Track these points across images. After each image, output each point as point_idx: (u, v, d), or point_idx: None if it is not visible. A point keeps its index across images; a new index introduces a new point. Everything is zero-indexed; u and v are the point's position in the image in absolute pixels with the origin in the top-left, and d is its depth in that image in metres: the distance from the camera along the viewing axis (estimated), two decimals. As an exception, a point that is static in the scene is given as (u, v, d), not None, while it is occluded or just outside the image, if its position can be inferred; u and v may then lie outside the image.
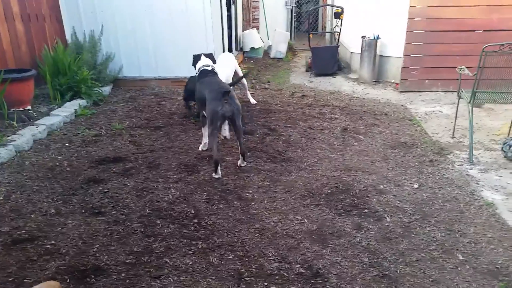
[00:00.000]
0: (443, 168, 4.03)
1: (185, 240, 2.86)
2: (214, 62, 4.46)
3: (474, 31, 6.61)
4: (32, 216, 3.15)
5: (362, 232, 2.96)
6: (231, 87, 4.01)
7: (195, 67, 4.39)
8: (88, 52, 6.69)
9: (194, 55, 4.51)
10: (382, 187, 3.63)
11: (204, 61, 4.32)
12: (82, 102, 5.91)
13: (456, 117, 4.90)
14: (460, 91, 4.59)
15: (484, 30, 6.56)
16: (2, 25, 5.62)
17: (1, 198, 3.40)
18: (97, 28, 7.08)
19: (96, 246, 2.80)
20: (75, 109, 5.61)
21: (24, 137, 4.48)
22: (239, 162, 4.04)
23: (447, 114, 5.72)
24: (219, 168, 3.80)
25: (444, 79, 6.80)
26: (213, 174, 3.82)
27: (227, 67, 5.36)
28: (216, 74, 4.27)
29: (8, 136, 4.45)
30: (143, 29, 7.18)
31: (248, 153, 4.27)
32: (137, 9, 7.05)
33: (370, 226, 3.03)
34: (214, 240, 2.87)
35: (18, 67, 5.74)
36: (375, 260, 2.67)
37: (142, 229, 2.99)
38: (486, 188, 3.61)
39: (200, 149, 4.49)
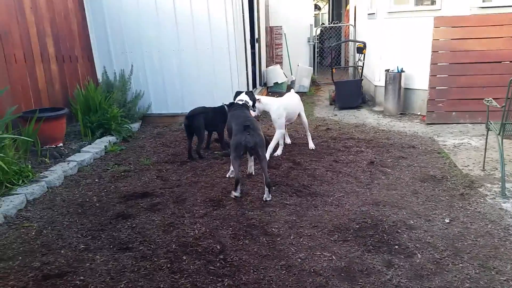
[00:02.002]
0: (474, 201, 3.91)
1: (211, 277, 2.84)
2: (252, 98, 4.89)
3: (500, 62, 6.55)
4: (62, 251, 3.21)
5: (392, 270, 2.87)
6: (254, 120, 4.32)
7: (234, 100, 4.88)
8: (118, 90, 6.95)
9: (237, 91, 5.07)
10: (412, 222, 3.54)
11: (241, 97, 4.79)
12: (112, 138, 6.09)
13: (485, 149, 4.78)
14: (489, 123, 4.51)
15: (510, 61, 6.49)
16: (39, 66, 5.95)
17: (33, 233, 3.49)
18: (127, 67, 7.38)
19: (124, 282, 2.81)
20: (105, 146, 5.78)
21: (56, 173, 4.63)
22: (264, 196, 4.04)
23: (476, 146, 5.60)
24: (239, 186, 4.06)
25: (471, 111, 6.70)
26: (233, 191, 4.06)
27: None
28: (246, 107, 4.64)
29: (40, 173, 4.61)
30: (171, 68, 7.45)
31: (273, 187, 4.27)
32: (165, 49, 7.34)
33: (401, 263, 2.94)
34: (240, 277, 2.83)
35: (52, 105, 6.03)
36: (407, 299, 2.58)
37: (168, 265, 2.99)
38: (521, 223, 3.47)
39: (227, 176, 4.72)
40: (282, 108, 5.25)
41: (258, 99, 5.20)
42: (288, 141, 5.96)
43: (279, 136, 5.30)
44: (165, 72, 7.48)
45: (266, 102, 5.32)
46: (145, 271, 2.93)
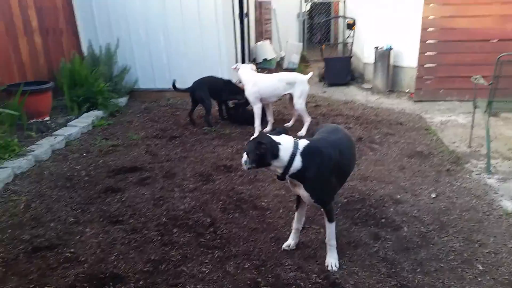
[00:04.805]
0: (460, 177, 3.99)
1: (202, 249, 2.87)
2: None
3: (488, 40, 6.58)
4: (52, 224, 3.20)
5: (379, 242, 2.94)
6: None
7: None
8: (104, 64, 6.82)
9: None
10: (398, 196, 3.61)
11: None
12: (99, 113, 6.01)
13: (472, 126, 4.85)
14: (476, 100, 4.56)
15: (498, 40, 6.52)
16: (22, 39, 5.78)
17: (22, 207, 3.46)
18: (113, 41, 7.21)
19: (114, 254, 2.82)
20: (92, 120, 5.71)
21: (43, 147, 4.57)
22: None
23: (463, 123, 5.67)
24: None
25: (459, 89, 6.75)
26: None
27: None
28: None
29: (27, 147, 4.54)
30: (158, 42, 7.30)
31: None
32: (152, 23, 7.17)
33: (388, 236, 3.01)
34: (230, 249, 2.87)
35: (36, 79, 5.88)
36: (392, 270, 2.64)
37: (159, 238, 3.01)
38: (505, 198, 3.55)
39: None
40: (251, 84, 5.19)
41: (235, 67, 5.29)
42: (271, 120, 5.69)
43: (257, 111, 5.29)
44: (151, 46, 7.33)
45: (242, 73, 5.34)
46: (136, 244, 2.95)
